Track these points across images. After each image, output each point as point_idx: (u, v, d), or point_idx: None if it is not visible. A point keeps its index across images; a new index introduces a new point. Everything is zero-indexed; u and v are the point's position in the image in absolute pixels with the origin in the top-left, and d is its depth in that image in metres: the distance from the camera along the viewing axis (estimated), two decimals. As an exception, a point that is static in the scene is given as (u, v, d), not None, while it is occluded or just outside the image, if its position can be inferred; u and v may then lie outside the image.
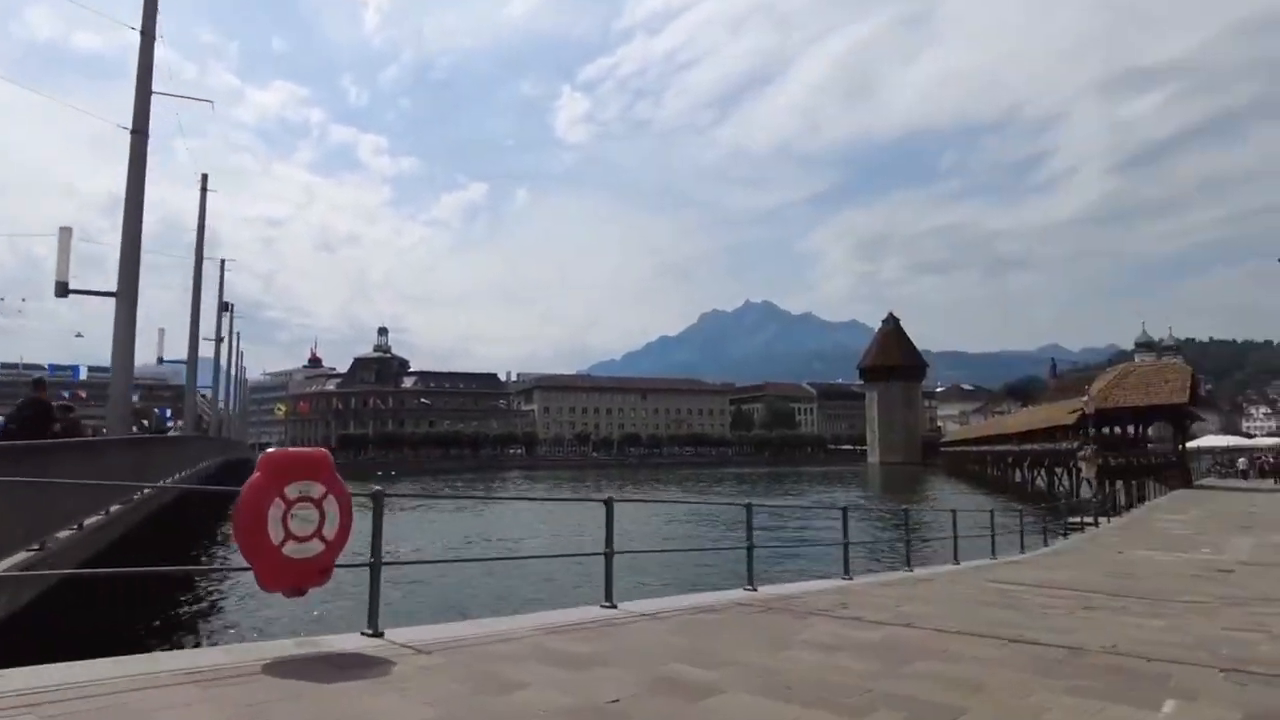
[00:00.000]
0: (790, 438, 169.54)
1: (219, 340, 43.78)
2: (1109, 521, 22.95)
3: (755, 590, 8.31)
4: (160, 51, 18.31)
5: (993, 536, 14.71)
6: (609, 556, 6.79)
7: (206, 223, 34.64)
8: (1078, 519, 22.46)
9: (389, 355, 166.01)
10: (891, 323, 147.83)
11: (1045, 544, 17.64)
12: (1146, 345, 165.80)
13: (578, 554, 9.12)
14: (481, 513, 42.68)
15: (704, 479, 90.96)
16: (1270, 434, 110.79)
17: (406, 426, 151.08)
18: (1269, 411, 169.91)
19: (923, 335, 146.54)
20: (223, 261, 43.57)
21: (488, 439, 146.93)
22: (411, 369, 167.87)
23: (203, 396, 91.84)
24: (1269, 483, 44.41)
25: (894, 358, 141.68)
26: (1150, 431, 47.99)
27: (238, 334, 71.30)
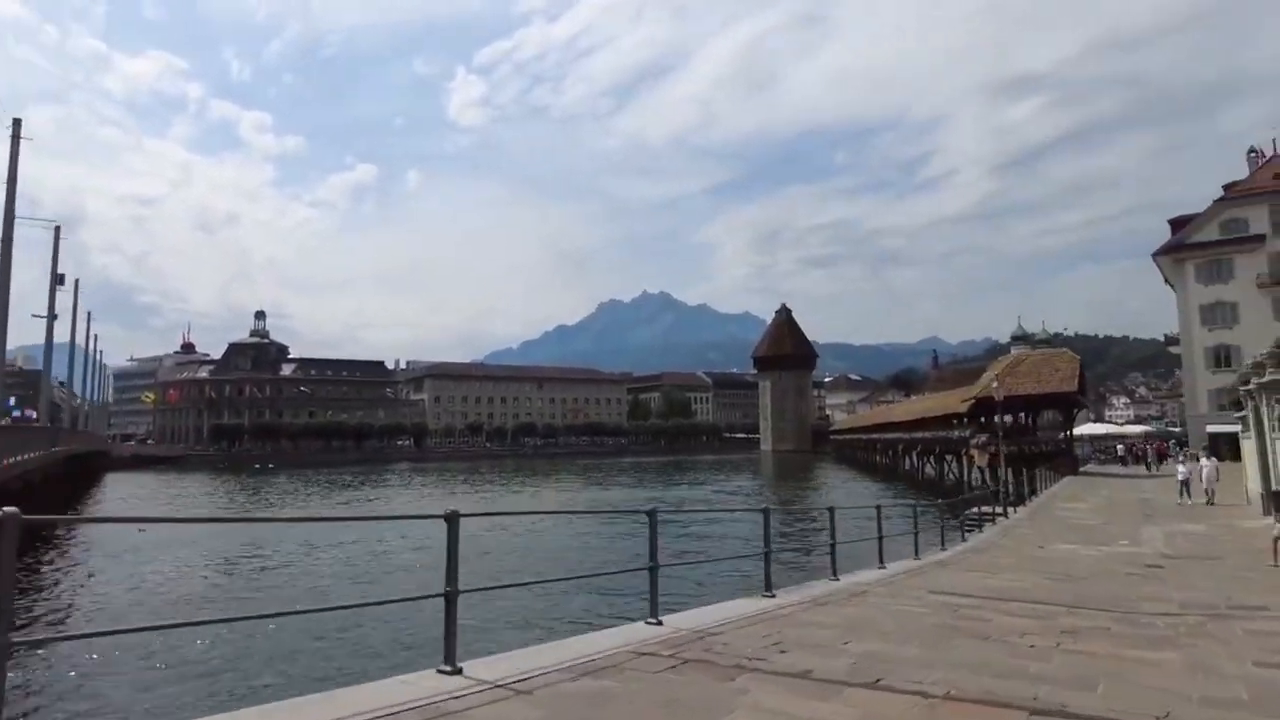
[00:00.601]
0: (686, 427, 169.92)
1: (51, 318, 38.49)
2: (1015, 511, 22.23)
3: (660, 624, 6.28)
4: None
5: (916, 534, 13.25)
6: (451, 599, 4.58)
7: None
8: (986, 510, 21.59)
9: (267, 341, 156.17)
10: (784, 313, 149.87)
11: (962, 538, 16.43)
12: (1022, 338, 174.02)
13: (416, 597, 5.42)
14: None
15: (602, 469, 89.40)
16: (1130, 422, 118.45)
17: (285, 416, 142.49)
18: (1128, 401, 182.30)
19: (811, 327, 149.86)
20: (57, 229, 38.40)
21: (373, 430, 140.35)
22: (292, 355, 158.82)
23: (60, 384, 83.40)
24: (1143, 468, 46.04)
25: (786, 347, 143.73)
26: (1038, 419, 49.01)
27: (89, 314, 64.64)
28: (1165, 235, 55.79)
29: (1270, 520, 14.12)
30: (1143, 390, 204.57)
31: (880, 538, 11.54)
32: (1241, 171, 54.89)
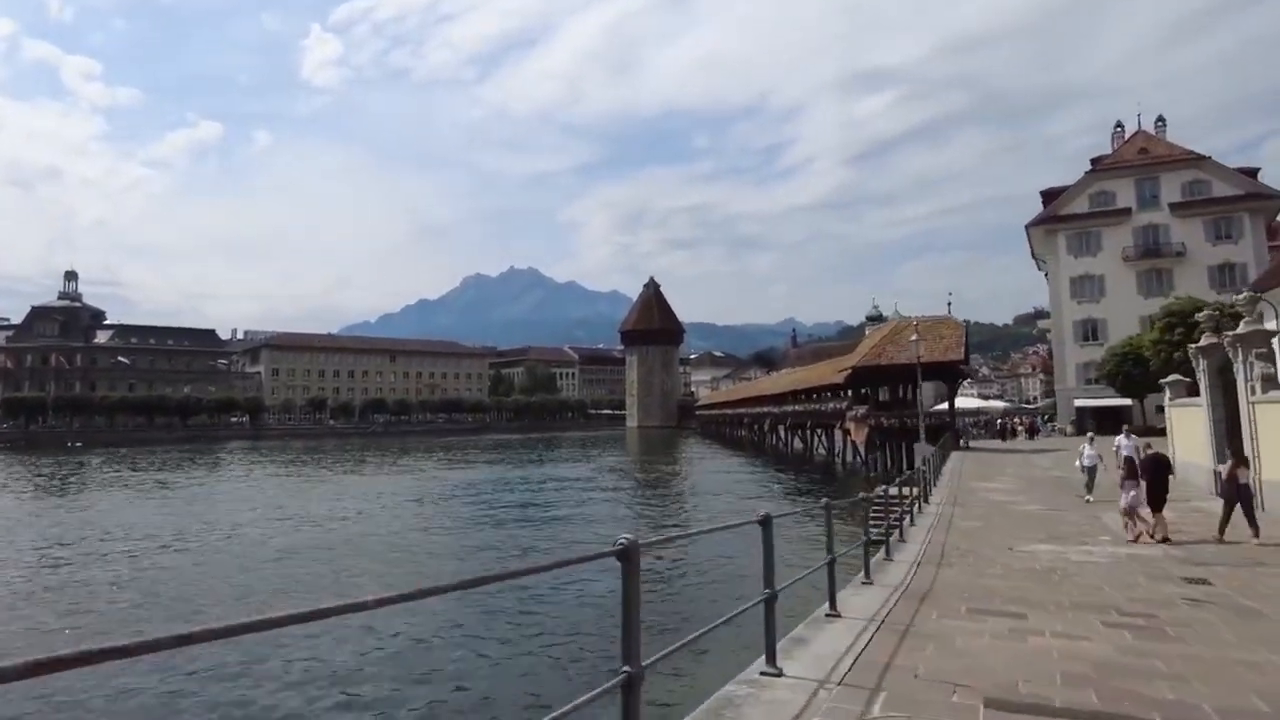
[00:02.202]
0: (552, 403, 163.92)
1: None
2: (933, 496, 18.22)
3: None
4: None
5: (866, 548, 8.45)
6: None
7: None
8: (894, 493, 17.41)
9: (79, 305, 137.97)
10: (653, 287, 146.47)
11: (899, 536, 11.93)
12: (876, 319, 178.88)
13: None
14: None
15: (458, 447, 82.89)
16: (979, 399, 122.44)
17: (99, 389, 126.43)
18: (971, 380, 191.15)
19: (676, 306, 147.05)
20: None
21: (201, 405, 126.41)
22: (109, 321, 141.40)
23: None
24: (1025, 442, 44.60)
25: (654, 322, 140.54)
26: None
27: None
28: (998, 230, 55.82)
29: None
30: (985, 370, 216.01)
31: (830, 561, 6.61)
32: (1062, 174, 54.89)
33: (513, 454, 71.39)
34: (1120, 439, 16.78)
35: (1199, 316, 17.35)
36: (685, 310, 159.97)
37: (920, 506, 15.76)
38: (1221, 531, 11.51)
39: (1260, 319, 16.54)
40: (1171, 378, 20.46)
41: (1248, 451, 14.46)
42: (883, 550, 10.30)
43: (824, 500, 6.85)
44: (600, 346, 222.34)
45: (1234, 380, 15.66)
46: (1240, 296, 17.56)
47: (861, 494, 10.55)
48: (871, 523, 15.32)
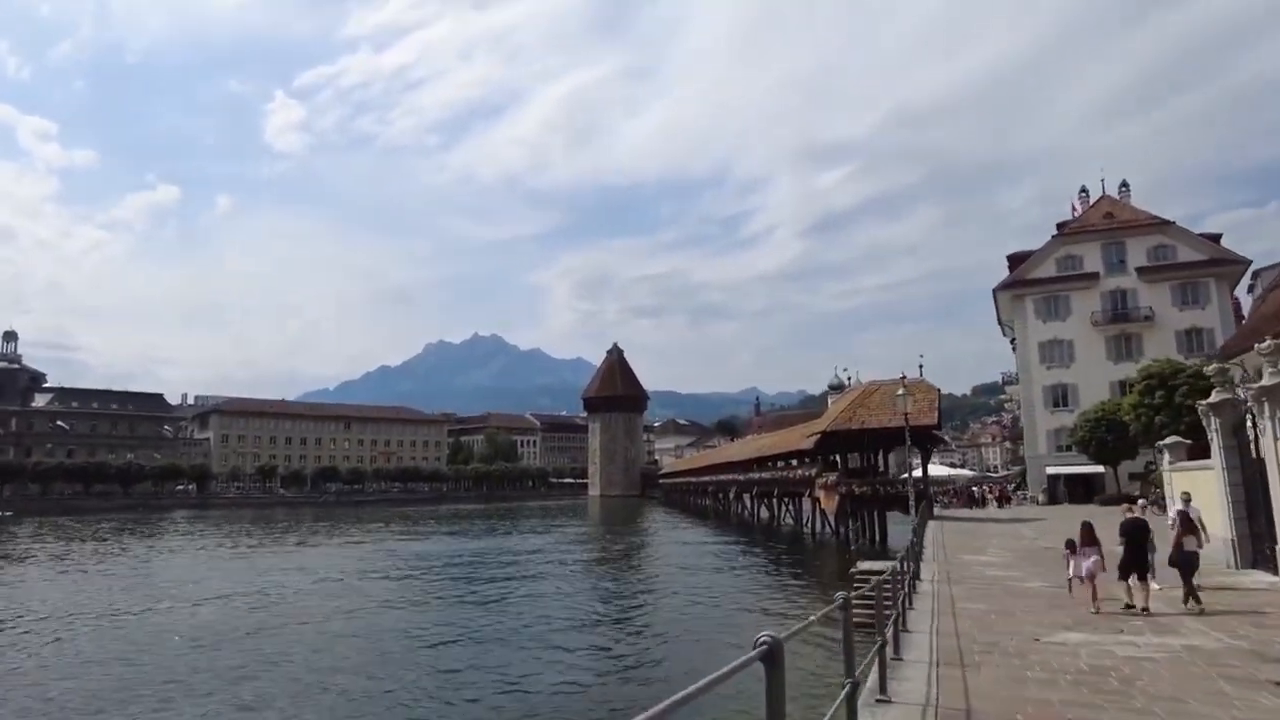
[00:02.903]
0: (512, 471, 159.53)
1: None
2: (923, 572, 16.22)
3: None
4: None
5: (881, 653, 6.43)
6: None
7: None
8: (877, 568, 15.43)
9: (16, 367, 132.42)
10: (616, 353, 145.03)
11: (903, 623, 9.87)
12: (837, 388, 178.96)
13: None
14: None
15: (413, 517, 79.24)
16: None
17: (35, 455, 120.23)
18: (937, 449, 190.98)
19: (640, 374, 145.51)
20: None
21: (144, 472, 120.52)
22: (50, 384, 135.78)
23: None
24: (996, 511, 42.99)
25: (617, 388, 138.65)
26: (890, 458, 45.09)
27: None
28: (951, 301, 55.57)
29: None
30: (946, 439, 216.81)
31: (853, 685, 4.57)
32: (1012, 246, 55.06)
33: (468, 524, 68.31)
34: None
35: (1208, 370, 15.87)
36: (649, 378, 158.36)
37: (912, 584, 13.74)
38: (1185, 602, 11.07)
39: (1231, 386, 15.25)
40: (1170, 439, 18.91)
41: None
42: (887, 642, 8.23)
43: (839, 596, 4.83)
44: (563, 414, 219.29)
45: (1248, 441, 14.17)
46: (1211, 367, 16.32)
47: (854, 569, 8.56)
48: (859, 605, 13.14)
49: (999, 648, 8.59)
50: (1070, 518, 33.79)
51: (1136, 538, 11.16)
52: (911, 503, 20.87)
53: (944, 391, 38.91)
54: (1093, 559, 11.40)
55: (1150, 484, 42.54)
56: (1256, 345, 15.43)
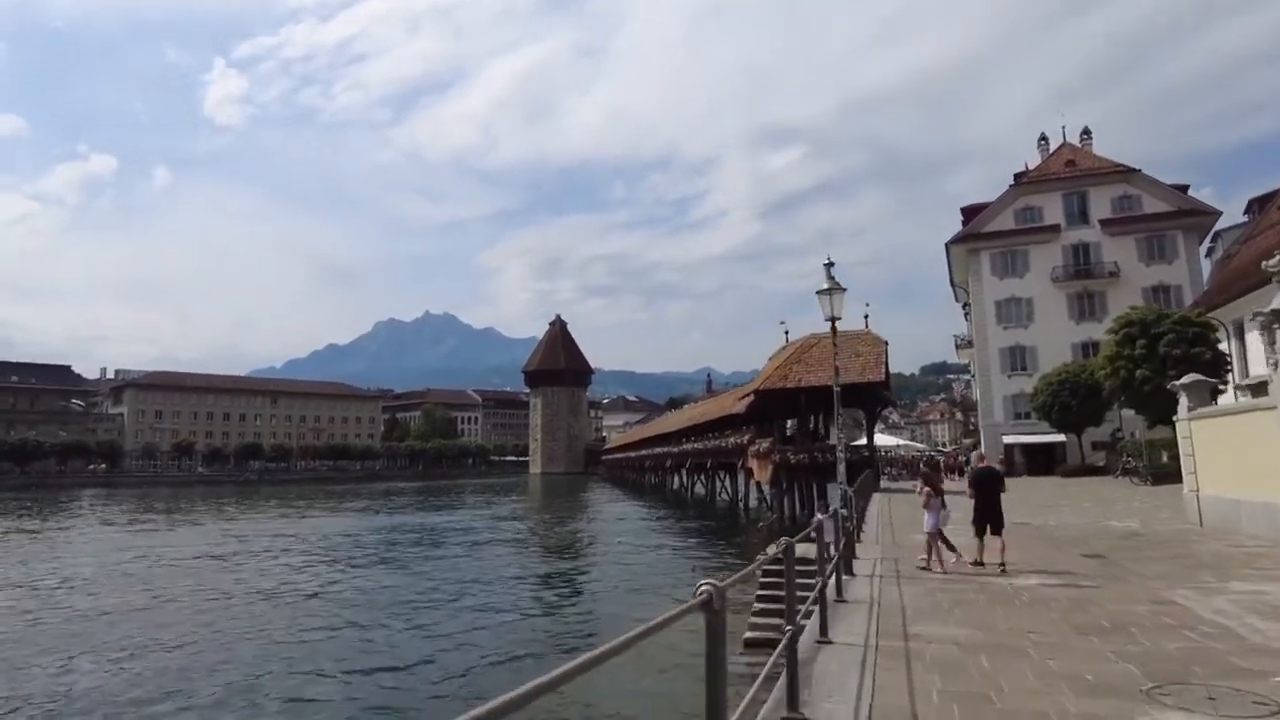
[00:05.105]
0: (450, 448, 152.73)
1: None
2: (861, 558, 11.21)
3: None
4: None
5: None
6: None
7: None
8: (807, 563, 10.30)
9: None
10: (559, 325, 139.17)
11: (810, 652, 4.70)
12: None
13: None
14: None
15: (339, 495, 73.48)
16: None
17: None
18: (884, 424, 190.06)
19: (594, 355, 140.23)
20: None
21: (43, 449, 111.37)
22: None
23: None
24: (951, 483, 38.54)
25: (559, 361, 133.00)
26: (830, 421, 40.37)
27: None
28: (898, 282, 51.35)
29: None
30: (895, 416, 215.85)
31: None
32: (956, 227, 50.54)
33: (393, 501, 63.27)
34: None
35: (1268, 265, 10.96)
36: (604, 358, 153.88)
37: (841, 581, 8.63)
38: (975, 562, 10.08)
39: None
40: (1190, 377, 14.03)
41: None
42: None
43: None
44: (507, 389, 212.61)
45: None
46: (1273, 261, 11.54)
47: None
48: (755, 619, 8.83)
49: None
50: (1030, 489, 29.54)
51: (991, 489, 10.24)
52: (841, 470, 15.74)
53: (893, 371, 34.08)
54: (940, 512, 10.49)
55: (1117, 453, 38.76)
56: (1264, 263, 10.78)
